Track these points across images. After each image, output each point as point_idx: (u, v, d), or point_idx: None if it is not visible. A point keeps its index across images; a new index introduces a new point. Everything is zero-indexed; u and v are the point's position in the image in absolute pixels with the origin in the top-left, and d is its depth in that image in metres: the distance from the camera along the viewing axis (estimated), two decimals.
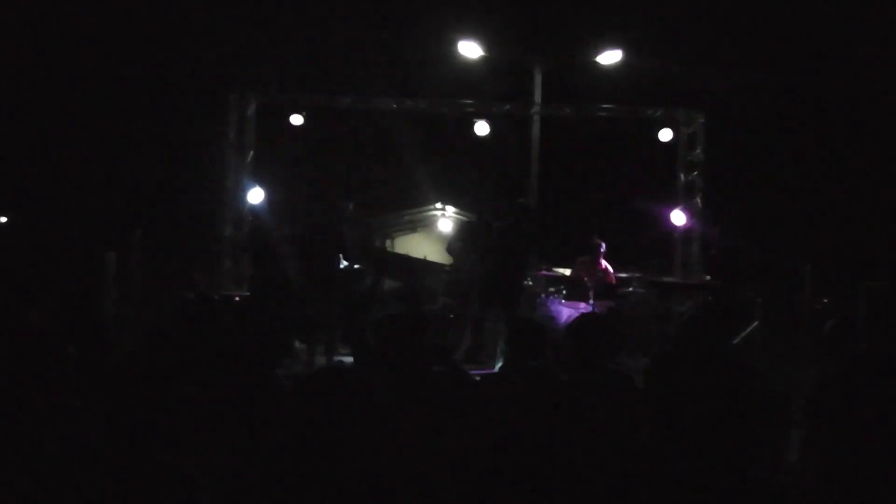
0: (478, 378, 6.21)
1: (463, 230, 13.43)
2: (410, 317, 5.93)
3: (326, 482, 3.77)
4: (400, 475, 4.44)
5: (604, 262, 13.30)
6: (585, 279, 12.77)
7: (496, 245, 11.48)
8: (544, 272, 13.69)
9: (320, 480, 3.77)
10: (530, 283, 13.84)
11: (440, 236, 16.19)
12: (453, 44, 17.33)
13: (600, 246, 13.26)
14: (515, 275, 11.56)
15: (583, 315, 12.04)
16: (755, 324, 12.77)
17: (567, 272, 13.61)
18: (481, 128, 15.22)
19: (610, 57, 17.18)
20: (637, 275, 13.69)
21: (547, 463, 4.52)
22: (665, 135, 15.41)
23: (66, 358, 5.14)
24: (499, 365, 11.20)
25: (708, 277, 13.19)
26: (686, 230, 15.21)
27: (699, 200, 15.31)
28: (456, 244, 12.78)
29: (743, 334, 12.68)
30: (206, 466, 5.01)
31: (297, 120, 15.11)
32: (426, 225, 18.60)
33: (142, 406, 3.97)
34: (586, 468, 4.87)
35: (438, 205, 18.35)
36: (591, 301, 12.52)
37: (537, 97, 17.25)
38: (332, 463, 3.79)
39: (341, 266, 12.66)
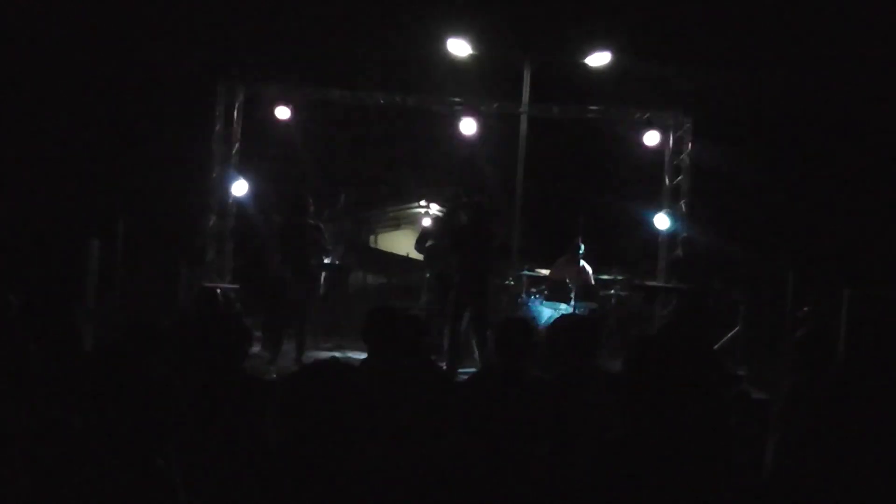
0: (463, 378, 6.20)
1: (433, 226, 13.37)
2: (398, 311, 5.94)
3: (314, 478, 3.76)
4: (389, 472, 4.44)
5: (581, 262, 13.26)
6: (567, 280, 12.76)
7: (459, 244, 11.40)
8: (526, 272, 13.69)
9: (308, 476, 3.76)
10: (511, 282, 13.85)
11: None
12: (442, 41, 17.31)
13: (580, 246, 13.23)
14: (482, 273, 11.36)
15: (563, 316, 12.09)
16: (737, 329, 12.81)
17: (546, 272, 13.60)
18: (468, 126, 15.22)
19: (599, 59, 17.18)
20: (620, 277, 13.70)
21: (533, 462, 4.53)
22: (652, 138, 15.43)
23: (28, 347, 5.10)
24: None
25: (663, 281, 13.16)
26: (671, 233, 15.23)
27: (684, 204, 15.34)
28: (425, 242, 12.68)
29: (724, 339, 12.72)
30: (185, 461, 4.99)
31: (282, 113, 15.07)
32: (410, 222, 18.59)
33: (120, 396, 3.96)
34: (573, 467, 4.88)
35: (423, 202, 18.33)
36: (573, 302, 12.52)
37: (525, 97, 17.23)
38: (322, 459, 3.78)
39: (325, 261, 12.64)
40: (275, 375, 5.94)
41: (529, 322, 6.23)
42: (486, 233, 11.37)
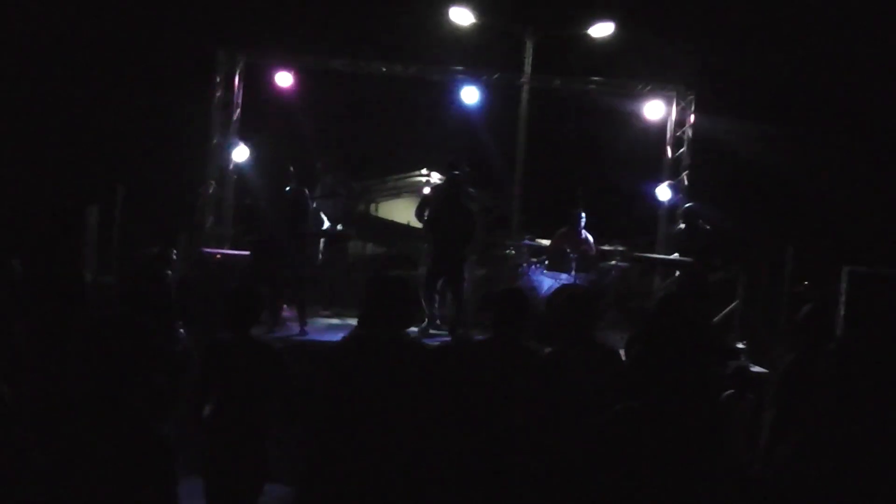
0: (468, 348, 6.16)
1: (433, 195, 13.33)
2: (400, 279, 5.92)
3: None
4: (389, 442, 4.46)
5: (584, 233, 13.22)
6: (568, 250, 12.72)
7: (440, 213, 11.60)
8: (527, 242, 13.67)
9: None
10: (512, 252, 13.84)
11: None
12: (445, 10, 17.23)
13: (580, 216, 13.19)
14: (456, 243, 11.49)
15: (563, 286, 12.06)
16: (735, 303, 12.80)
17: (548, 243, 13.58)
18: (470, 95, 15.16)
19: (602, 30, 17.11)
20: (620, 248, 13.67)
21: (532, 433, 4.53)
22: (654, 110, 15.36)
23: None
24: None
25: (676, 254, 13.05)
26: (671, 206, 15.22)
27: (685, 177, 15.31)
28: (424, 211, 12.66)
29: (723, 313, 12.71)
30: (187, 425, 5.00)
31: (283, 80, 15.01)
32: (411, 191, 18.48)
33: (122, 363, 3.94)
34: (572, 439, 4.88)
35: (424, 171, 18.26)
36: (573, 272, 12.49)
37: (527, 67, 17.17)
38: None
39: (324, 228, 12.62)
40: (278, 346, 6.04)
41: (526, 293, 6.19)
42: (459, 204, 11.48)
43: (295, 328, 11.33)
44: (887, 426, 3.84)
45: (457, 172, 11.81)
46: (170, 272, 8.43)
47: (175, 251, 9.82)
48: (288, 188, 11.44)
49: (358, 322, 5.81)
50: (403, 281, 5.88)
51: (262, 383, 5.78)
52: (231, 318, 5.91)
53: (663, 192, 15.14)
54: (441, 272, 11.53)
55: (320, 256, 13.09)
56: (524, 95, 17.35)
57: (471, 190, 11.90)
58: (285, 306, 11.75)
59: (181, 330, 6.81)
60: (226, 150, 14.79)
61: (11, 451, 3.66)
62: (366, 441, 5.03)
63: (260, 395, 5.76)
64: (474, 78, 15.34)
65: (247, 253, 12.31)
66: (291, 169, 11.58)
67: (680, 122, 15.48)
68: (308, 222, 11.63)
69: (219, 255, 12.94)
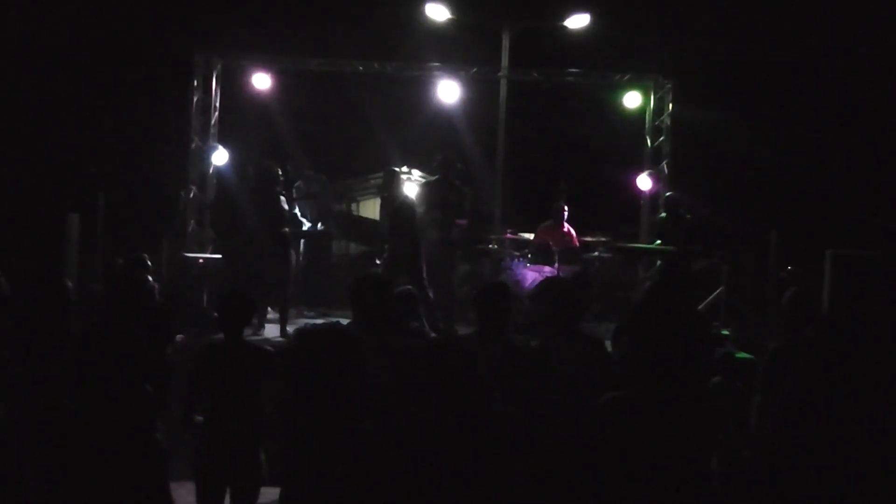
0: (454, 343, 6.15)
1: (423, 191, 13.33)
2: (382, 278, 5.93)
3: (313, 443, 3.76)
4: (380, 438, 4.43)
5: (566, 226, 13.29)
6: (551, 243, 12.74)
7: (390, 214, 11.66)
8: (509, 236, 13.68)
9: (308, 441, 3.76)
10: (494, 246, 13.85)
11: None
12: (421, 5, 17.21)
13: (563, 209, 13.23)
14: (413, 239, 11.50)
15: (547, 279, 12.06)
16: (720, 290, 12.82)
17: (530, 237, 13.60)
18: (448, 91, 15.15)
19: (578, 21, 17.12)
20: (603, 239, 13.69)
21: (521, 427, 4.52)
22: (633, 99, 15.39)
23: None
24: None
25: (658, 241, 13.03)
26: (652, 195, 15.24)
27: (665, 166, 15.33)
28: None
29: (708, 300, 12.73)
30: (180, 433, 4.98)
31: (261, 81, 14.98)
32: None
33: (113, 370, 3.93)
34: (560, 432, 4.88)
35: (404, 168, 18.22)
36: (557, 265, 12.50)
37: (504, 61, 17.17)
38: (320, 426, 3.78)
39: (305, 228, 12.60)
40: (269, 348, 6.02)
41: (508, 287, 6.19)
42: (407, 203, 11.53)
43: (275, 330, 11.29)
44: (869, 407, 3.86)
45: (396, 169, 12.00)
46: (149, 277, 8.39)
47: (146, 256, 9.71)
48: (271, 190, 11.37)
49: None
50: (387, 279, 5.89)
51: (256, 385, 5.75)
52: (223, 320, 5.89)
53: (643, 182, 15.18)
54: (399, 270, 11.49)
55: (301, 258, 13.06)
56: (503, 89, 17.36)
57: (464, 189, 11.92)
58: (269, 308, 11.70)
59: (170, 335, 6.80)
60: (205, 153, 14.76)
61: (8, 463, 3.66)
62: (354, 439, 5.01)
63: (254, 397, 5.73)
64: (452, 73, 15.33)
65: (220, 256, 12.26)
66: (279, 171, 11.52)
67: (658, 111, 15.51)
68: (287, 223, 11.58)
69: (201, 260, 12.90)
